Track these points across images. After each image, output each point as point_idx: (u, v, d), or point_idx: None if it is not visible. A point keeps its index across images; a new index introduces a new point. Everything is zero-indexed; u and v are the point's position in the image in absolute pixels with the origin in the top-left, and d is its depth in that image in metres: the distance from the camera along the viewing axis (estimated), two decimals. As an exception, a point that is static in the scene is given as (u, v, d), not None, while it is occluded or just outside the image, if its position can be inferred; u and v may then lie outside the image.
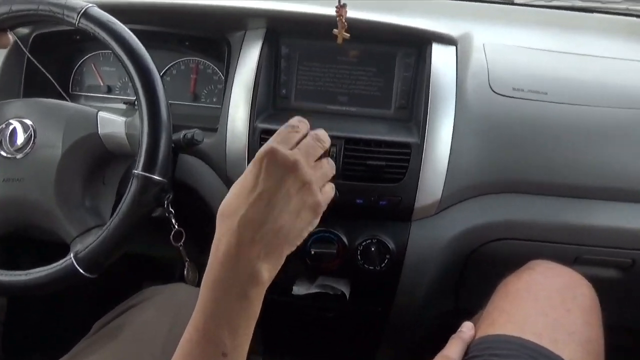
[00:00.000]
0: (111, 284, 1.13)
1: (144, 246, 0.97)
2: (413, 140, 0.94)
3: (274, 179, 0.53)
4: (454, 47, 1.01)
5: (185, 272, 0.89)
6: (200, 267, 0.69)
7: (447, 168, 0.96)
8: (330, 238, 0.99)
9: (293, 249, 0.56)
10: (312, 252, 0.99)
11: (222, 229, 0.54)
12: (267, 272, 0.54)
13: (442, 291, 1.09)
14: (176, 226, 0.87)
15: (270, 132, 0.87)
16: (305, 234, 0.57)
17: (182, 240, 0.87)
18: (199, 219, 0.90)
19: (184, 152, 1.00)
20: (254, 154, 0.87)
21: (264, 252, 0.53)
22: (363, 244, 0.99)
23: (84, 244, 0.82)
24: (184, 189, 1.01)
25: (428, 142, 0.94)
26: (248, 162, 0.95)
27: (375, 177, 0.95)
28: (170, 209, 0.86)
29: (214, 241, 0.55)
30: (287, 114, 0.94)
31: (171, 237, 0.86)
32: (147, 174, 0.81)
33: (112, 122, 0.89)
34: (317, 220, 0.57)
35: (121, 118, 0.90)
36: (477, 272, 1.02)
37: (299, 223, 0.55)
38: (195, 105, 1.14)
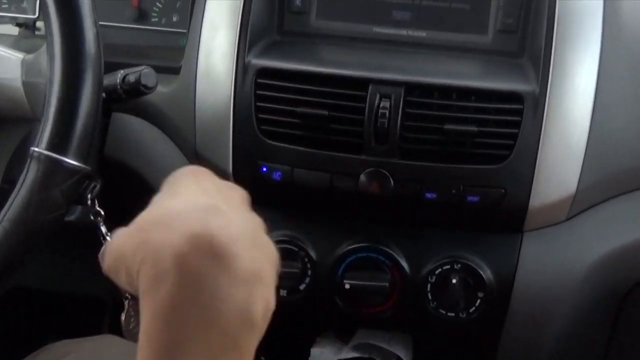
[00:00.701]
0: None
1: (51, 275, 0.99)
2: (527, 88, 0.94)
3: None
4: None
5: (122, 316, 0.87)
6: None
7: (589, 138, 0.95)
8: (378, 261, 0.99)
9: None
10: (347, 287, 0.98)
11: (167, 226, 0.55)
12: (262, 304, 0.54)
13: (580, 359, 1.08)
14: (108, 237, 0.86)
15: (274, 74, 0.95)
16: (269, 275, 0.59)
17: None
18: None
19: (121, 108, 1.01)
20: (245, 112, 0.96)
21: (255, 264, 0.54)
22: (437, 272, 0.98)
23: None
24: (120, 173, 1.02)
25: (554, 91, 0.93)
26: (234, 127, 0.97)
27: (458, 154, 0.94)
28: (98, 209, 0.86)
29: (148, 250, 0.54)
30: (304, 42, 1.04)
31: (100, 255, 0.84)
32: (55, 155, 0.80)
33: None
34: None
35: (16, 54, 0.91)
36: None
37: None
38: (142, 30, 1.16)
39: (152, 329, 0.53)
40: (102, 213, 0.86)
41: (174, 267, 0.52)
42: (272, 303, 0.56)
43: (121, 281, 0.57)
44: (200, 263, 0.52)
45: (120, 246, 0.56)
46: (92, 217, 0.86)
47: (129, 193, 0.99)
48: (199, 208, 0.57)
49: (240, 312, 0.53)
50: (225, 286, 0.52)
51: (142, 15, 1.15)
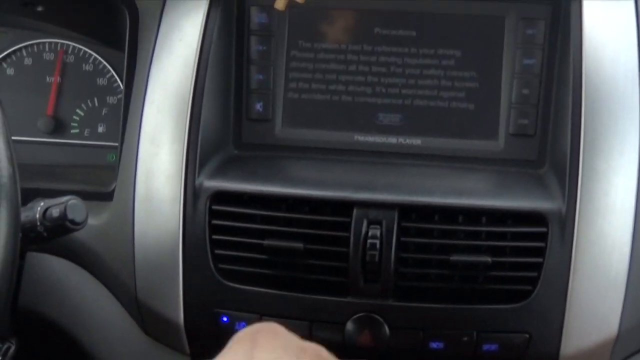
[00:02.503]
0: None
1: None
2: (551, 206, 0.92)
3: None
4: (632, -1, 1.02)
5: None
6: None
7: (631, 265, 0.91)
8: None
9: None
10: None
11: None
12: None
13: None
14: None
15: (232, 199, 0.95)
16: None
17: None
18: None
19: (38, 248, 0.99)
20: (197, 247, 0.96)
21: None
22: None
23: None
24: (40, 329, 1.00)
25: (585, 208, 0.92)
26: (184, 266, 0.95)
27: (469, 292, 0.93)
28: None
29: None
30: (269, 157, 1.05)
31: None
32: None
33: None
34: None
35: None
36: None
37: None
38: (59, 144, 1.14)
39: None
40: None
41: None
42: None
43: None
44: None
45: None
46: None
47: (53, 354, 1.03)
48: None
49: None
50: None
51: (59, 126, 1.13)
